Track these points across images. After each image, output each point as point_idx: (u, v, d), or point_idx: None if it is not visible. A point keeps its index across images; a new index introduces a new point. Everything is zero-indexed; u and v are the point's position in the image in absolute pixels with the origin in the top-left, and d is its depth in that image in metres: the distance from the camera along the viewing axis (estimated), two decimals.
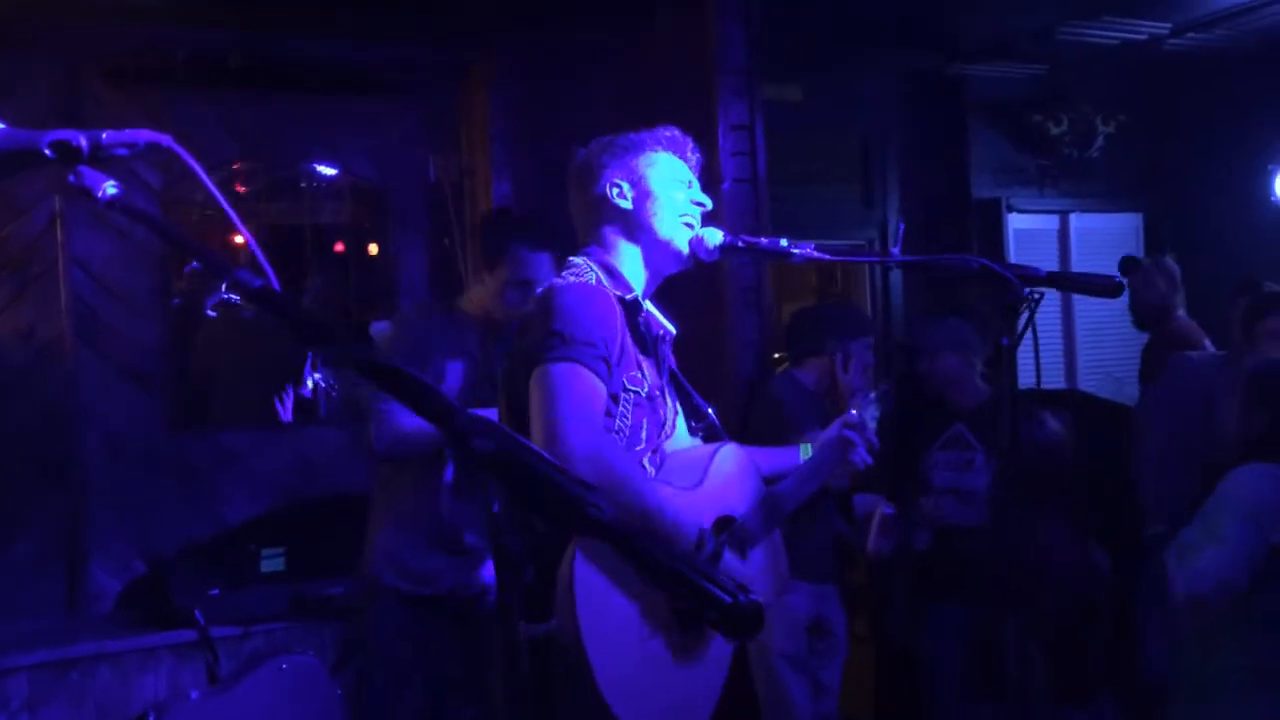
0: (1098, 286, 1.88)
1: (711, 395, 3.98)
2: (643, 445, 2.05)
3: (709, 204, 2.21)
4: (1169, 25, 5.00)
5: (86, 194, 1.08)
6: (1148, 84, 5.68)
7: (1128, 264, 4.35)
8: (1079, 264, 5.69)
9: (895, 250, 2.01)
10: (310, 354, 4.85)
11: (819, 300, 5.80)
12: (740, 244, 2.08)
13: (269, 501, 4.24)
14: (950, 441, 3.79)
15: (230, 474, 4.25)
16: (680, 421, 2.24)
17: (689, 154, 2.24)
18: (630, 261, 2.16)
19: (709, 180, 4.04)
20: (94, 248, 4.09)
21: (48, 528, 4.03)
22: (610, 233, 2.17)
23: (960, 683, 3.64)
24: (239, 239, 7.12)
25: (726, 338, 3.92)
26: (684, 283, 4.00)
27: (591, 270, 2.10)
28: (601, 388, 1.91)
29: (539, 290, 2.63)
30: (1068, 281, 1.94)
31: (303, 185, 7.11)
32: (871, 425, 2.42)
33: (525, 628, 0.89)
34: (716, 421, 2.29)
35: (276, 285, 1.03)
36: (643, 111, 4.25)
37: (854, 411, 2.39)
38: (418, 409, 0.97)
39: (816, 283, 6.11)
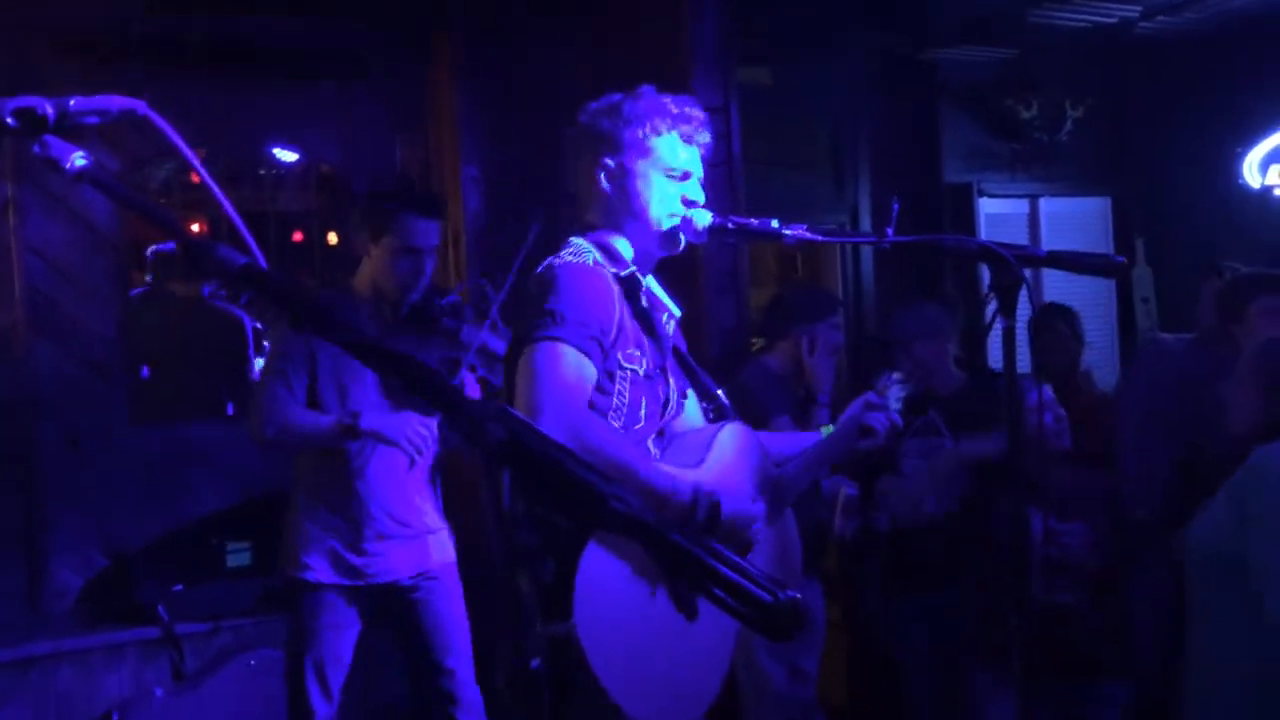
0: (1096, 266, 1.85)
1: None
2: (642, 424, 2.04)
3: (702, 199, 2.16)
4: (1139, 8, 5.00)
5: (53, 165, 1.00)
6: (1117, 68, 5.69)
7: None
8: (1049, 247, 5.65)
9: (890, 231, 1.96)
10: (260, 339, 4.76)
11: (779, 286, 5.76)
12: (730, 225, 2.02)
13: (234, 494, 4.14)
14: (922, 429, 3.77)
15: (194, 466, 4.14)
16: (691, 401, 2.23)
17: (696, 136, 2.18)
18: (622, 240, 2.14)
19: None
20: (49, 234, 3.96)
21: (5, 523, 3.91)
22: (601, 210, 2.15)
23: (933, 667, 3.63)
24: (194, 228, 7.00)
25: (703, 322, 3.88)
26: (660, 266, 3.96)
27: (589, 251, 2.07)
28: (590, 368, 1.90)
29: (428, 260, 2.72)
30: (1066, 261, 1.91)
31: (262, 172, 6.98)
32: (895, 406, 2.44)
33: (544, 627, 0.83)
34: (726, 401, 2.28)
35: (263, 264, 0.96)
36: (616, 91, 4.21)
37: (874, 393, 2.40)
38: (424, 395, 0.90)
39: (777, 269, 6.07)
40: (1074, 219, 5.80)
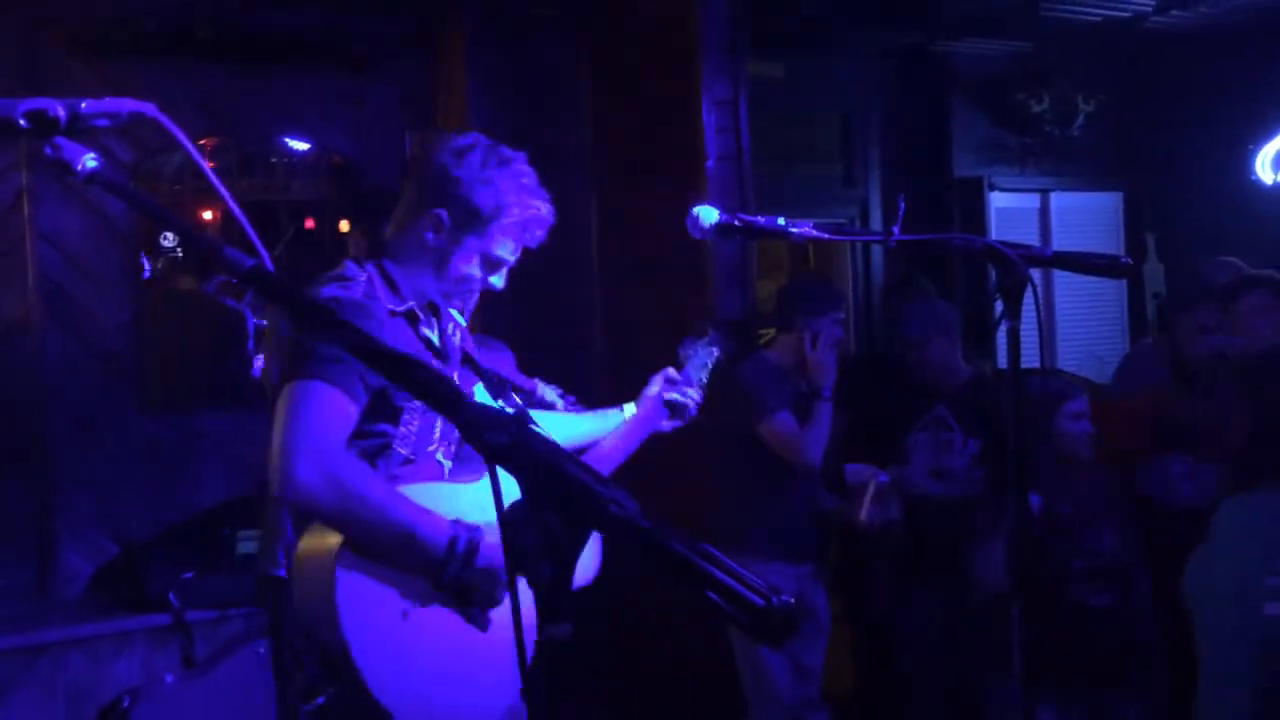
0: (1103, 266, 1.85)
1: None
2: (435, 444, 2.05)
3: (499, 287, 2.14)
4: (1152, 2, 4.98)
5: (64, 167, 1.01)
6: (1129, 62, 5.67)
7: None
8: (1059, 243, 5.68)
9: (896, 229, 1.96)
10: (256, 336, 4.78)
11: (790, 278, 5.76)
12: (737, 223, 2.02)
13: (243, 483, 4.16)
14: (931, 423, 3.78)
15: (203, 455, 4.17)
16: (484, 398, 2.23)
17: (535, 232, 2.12)
18: (418, 280, 2.07)
19: (693, 156, 4.01)
20: (63, 224, 3.98)
21: (16, 511, 3.94)
22: (410, 248, 2.07)
23: (940, 662, 3.64)
24: (207, 215, 7.02)
25: (709, 314, 3.87)
26: (669, 260, 3.97)
27: (359, 281, 1.99)
28: (350, 405, 1.88)
29: None
30: (1073, 262, 1.90)
31: (274, 161, 6.99)
32: (700, 375, 2.46)
33: (545, 629, 0.84)
34: (520, 402, 2.30)
35: (270, 265, 0.96)
36: (626, 84, 4.21)
37: (671, 369, 2.44)
38: (425, 397, 0.91)
39: (788, 262, 6.07)
40: (1085, 214, 5.79)
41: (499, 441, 0.83)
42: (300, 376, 1.85)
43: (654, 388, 2.45)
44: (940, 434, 3.79)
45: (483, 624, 1.99)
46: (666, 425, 2.46)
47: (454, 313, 2.19)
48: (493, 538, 1.94)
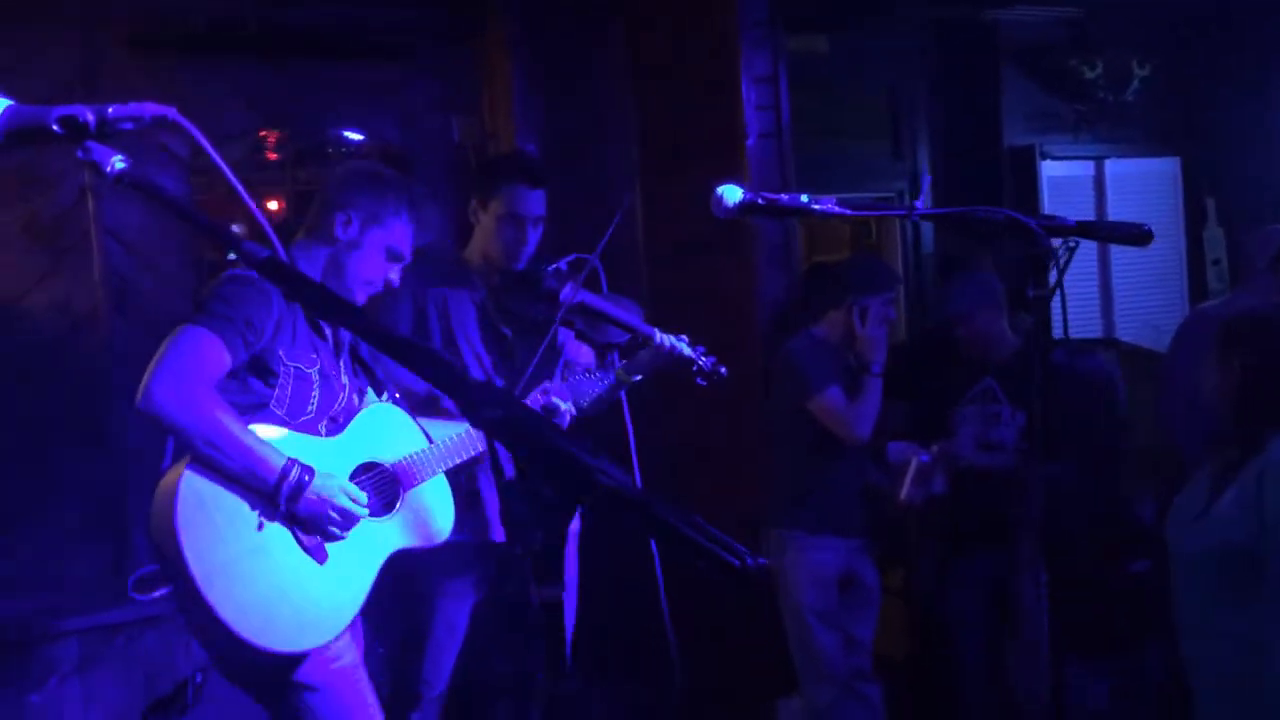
0: (1126, 235, 1.85)
1: (738, 352, 3.98)
2: (312, 412, 2.43)
3: (395, 283, 2.59)
4: None
5: (95, 169, 1.08)
6: (1185, 25, 5.54)
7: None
8: (1114, 211, 5.59)
9: (919, 204, 1.97)
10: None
11: (810, 250, 5.72)
12: (760, 201, 2.05)
13: None
14: (979, 395, 3.77)
15: None
16: (370, 396, 2.62)
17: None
18: (318, 272, 2.43)
19: (733, 135, 4.03)
20: (125, 218, 4.11)
21: (91, 498, 4.10)
22: (318, 240, 2.48)
23: (986, 634, 3.64)
24: (272, 205, 7.20)
25: (754, 295, 3.91)
26: (711, 241, 4.00)
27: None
28: (223, 353, 2.27)
29: (533, 229, 3.04)
30: (1096, 231, 1.91)
31: (330, 151, 7.14)
32: (581, 400, 2.89)
33: (537, 590, 0.90)
34: (395, 394, 2.63)
35: (283, 256, 1.03)
36: (664, 64, 4.24)
37: (550, 383, 2.89)
38: (429, 378, 0.97)
39: (849, 236, 6.04)
40: (1141, 180, 5.68)
41: (493, 416, 0.89)
42: (190, 322, 2.27)
43: (536, 391, 2.85)
44: (988, 406, 3.79)
45: (318, 556, 2.33)
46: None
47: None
48: (322, 482, 2.31)
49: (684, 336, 3.09)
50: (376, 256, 2.51)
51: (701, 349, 3.07)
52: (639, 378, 2.99)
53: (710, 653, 4.06)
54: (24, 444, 3.95)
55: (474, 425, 0.90)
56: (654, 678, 3.56)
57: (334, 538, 2.36)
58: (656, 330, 3.03)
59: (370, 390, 2.62)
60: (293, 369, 2.38)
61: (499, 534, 2.99)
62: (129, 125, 1.11)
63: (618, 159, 4.34)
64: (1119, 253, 5.61)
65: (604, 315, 3.03)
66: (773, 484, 3.75)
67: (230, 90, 4.32)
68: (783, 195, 2.04)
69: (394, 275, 2.57)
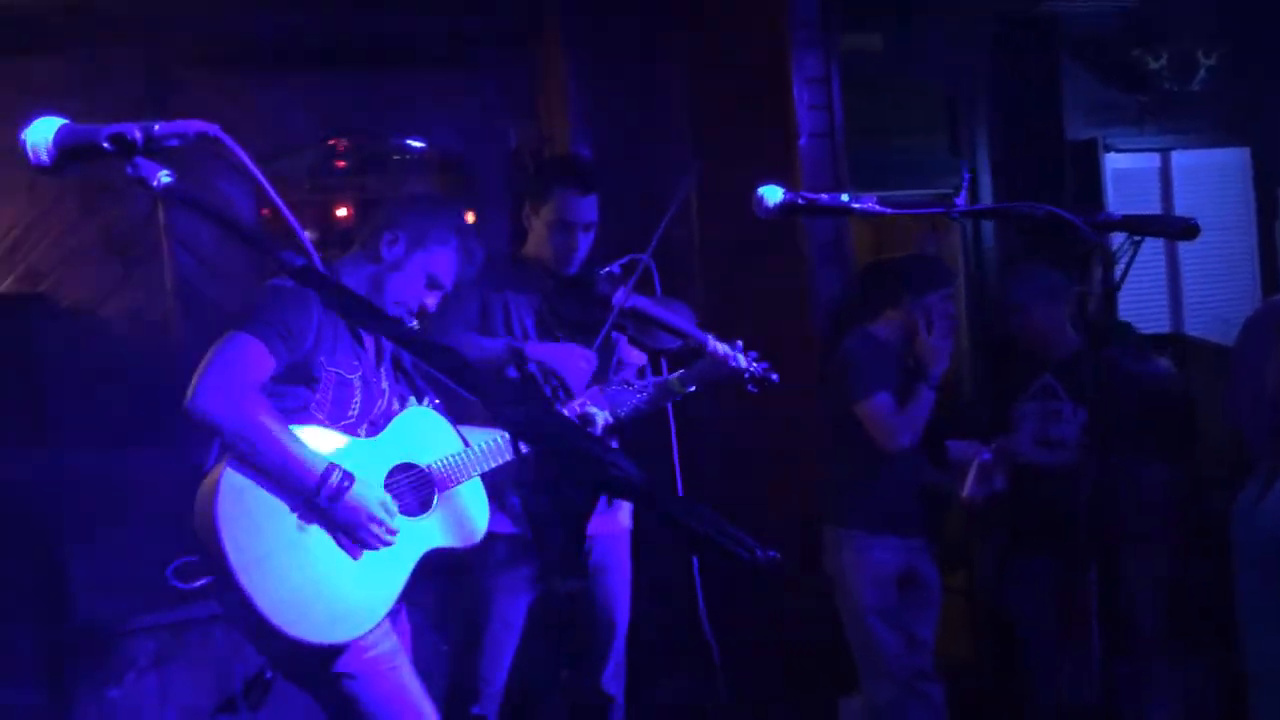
0: (1171, 229, 1.83)
1: (793, 351, 3.98)
2: (353, 416, 2.50)
3: (430, 310, 2.65)
4: None
5: (143, 183, 1.14)
6: (1252, 11, 5.41)
7: None
8: (1182, 202, 5.47)
9: (959, 201, 1.97)
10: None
11: (878, 247, 5.68)
12: (800, 201, 2.07)
13: None
14: (1039, 392, 3.73)
15: None
16: (412, 402, 2.68)
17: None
18: (358, 280, 2.57)
19: (785, 134, 4.03)
20: (196, 229, 4.24)
21: (165, 499, 4.22)
22: (365, 257, 2.61)
23: (1050, 634, 3.60)
24: (341, 212, 7.36)
25: (807, 294, 3.91)
26: (765, 239, 4.00)
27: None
28: (267, 357, 2.35)
29: (584, 234, 3.08)
30: (1140, 224, 1.89)
31: (394, 158, 7.28)
32: (620, 411, 2.91)
33: (561, 583, 0.94)
34: (437, 401, 2.70)
35: (320, 266, 1.08)
36: (718, 65, 4.26)
37: (596, 389, 2.89)
38: (458, 381, 1.01)
39: (916, 235, 5.98)
40: (1209, 171, 5.56)
41: (514, 416, 0.92)
42: (235, 328, 2.36)
43: (576, 401, 2.87)
44: (1048, 403, 3.74)
45: (353, 552, 2.40)
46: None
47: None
48: (362, 490, 2.37)
49: (738, 343, 3.08)
50: (417, 281, 2.58)
51: (754, 355, 3.06)
52: (693, 388, 2.99)
53: (770, 650, 4.07)
54: (101, 449, 4.09)
55: (496, 423, 0.93)
56: (699, 677, 3.58)
57: (366, 545, 2.43)
58: (710, 337, 3.02)
59: (411, 396, 2.70)
60: (334, 374, 2.46)
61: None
62: (175, 141, 1.16)
63: (674, 158, 4.36)
64: (1187, 246, 5.48)
65: (656, 321, 3.05)
66: (829, 482, 3.74)
67: (296, 101, 4.43)
68: (823, 195, 2.05)
69: (430, 302, 2.63)
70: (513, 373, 3.01)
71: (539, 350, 3.02)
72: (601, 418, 2.83)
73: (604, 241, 3.43)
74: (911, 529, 3.63)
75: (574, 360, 3.00)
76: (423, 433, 2.61)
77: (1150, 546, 3.34)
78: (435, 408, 2.66)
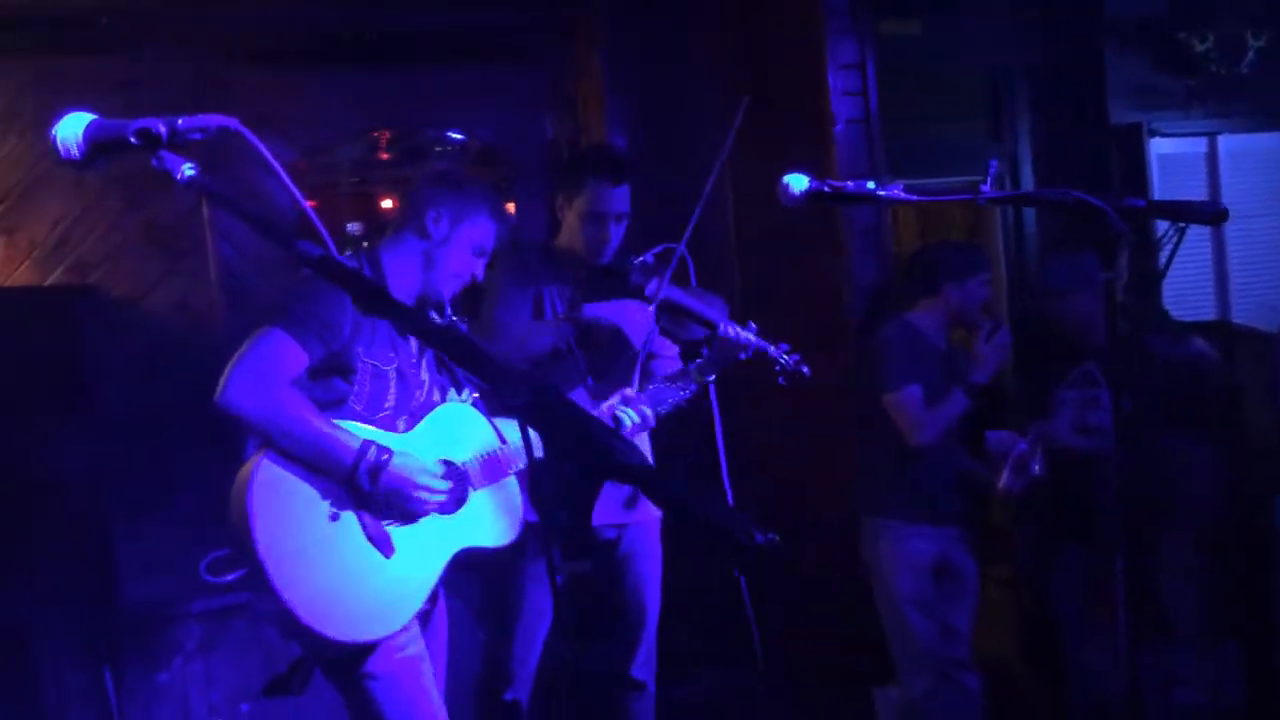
0: (1200, 214, 1.81)
1: (831, 338, 3.97)
2: (389, 409, 2.49)
3: (479, 279, 2.65)
4: None
5: (168, 176, 1.17)
6: None
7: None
8: (1230, 187, 5.38)
9: (985, 187, 1.96)
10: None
11: (968, 237, 5.64)
12: (826, 189, 2.06)
13: None
14: (1078, 380, 3.69)
15: None
16: (452, 394, 2.67)
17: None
18: (405, 271, 2.57)
19: (821, 122, 4.01)
20: (237, 222, 4.31)
21: (211, 487, 4.30)
22: (408, 238, 2.59)
23: (1084, 623, 3.57)
24: (387, 204, 7.47)
25: (845, 281, 3.89)
26: (803, 227, 3.99)
27: (355, 263, 2.49)
28: (300, 353, 2.35)
29: (615, 225, 3.07)
30: (1168, 210, 1.87)
31: (438, 150, 7.34)
32: (659, 409, 2.90)
33: (567, 566, 0.95)
34: (475, 393, 2.67)
35: (336, 254, 1.10)
36: (753, 53, 4.25)
37: (629, 390, 2.86)
38: (469, 367, 1.03)
39: (960, 220, 5.93)
40: (1258, 156, 5.45)
41: (518, 401, 0.94)
42: (268, 323, 2.36)
43: (609, 402, 2.86)
44: (1088, 390, 3.70)
45: (385, 550, 2.37)
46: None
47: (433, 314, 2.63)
48: (402, 460, 2.35)
49: (752, 325, 3.07)
50: (465, 252, 2.60)
51: (785, 346, 3.05)
52: (712, 377, 3.00)
53: (806, 640, 4.07)
54: (148, 437, 4.18)
55: (502, 408, 0.95)
56: (739, 665, 3.59)
57: (412, 516, 2.42)
58: (734, 326, 3.03)
59: (451, 389, 2.68)
60: (370, 366, 2.46)
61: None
62: (198, 135, 1.19)
63: (708, 149, 4.35)
64: (1233, 233, 5.40)
65: (689, 312, 3.05)
66: (865, 472, 3.74)
67: (337, 95, 4.49)
68: (848, 182, 2.05)
69: (479, 269, 2.64)
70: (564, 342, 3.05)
71: (596, 308, 3.02)
72: (630, 419, 2.81)
73: (639, 232, 3.44)
74: (947, 518, 3.62)
75: (630, 313, 3.00)
76: (459, 428, 2.60)
77: (1179, 533, 3.29)
78: (474, 402, 2.65)
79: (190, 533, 4.26)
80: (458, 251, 2.59)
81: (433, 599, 2.55)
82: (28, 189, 4.12)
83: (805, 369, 3.07)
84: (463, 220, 2.59)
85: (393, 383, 2.50)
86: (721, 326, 3.00)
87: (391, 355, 2.51)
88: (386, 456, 2.35)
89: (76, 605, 3.64)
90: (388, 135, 5.73)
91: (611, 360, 3.09)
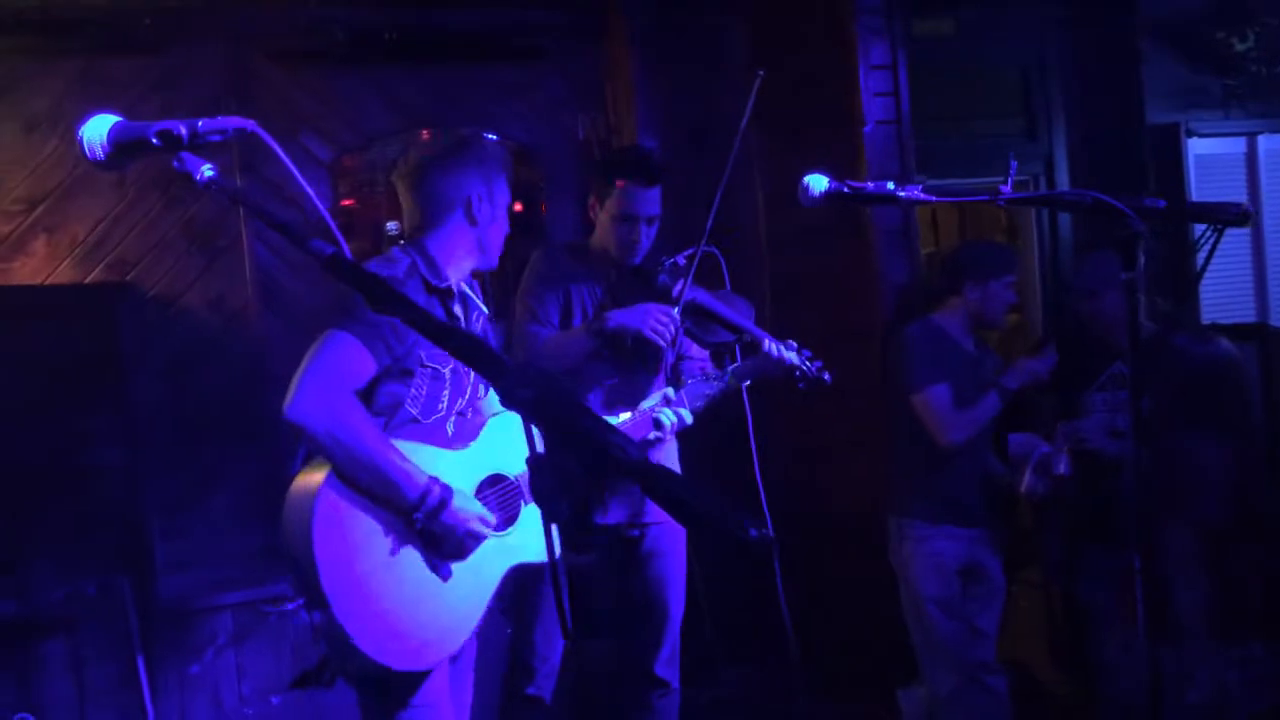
0: (1222, 216, 1.80)
1: (859, 336, 3.96)
2: (442, 410, 2.45)
3: (507, 231, 2.60)
4: None
5: (187, 176, 1.20)
6: None
7: None
8: (1269, 190, 5.31)
9: (1005, 188, 1.96)
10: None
11: (1009, 238, 5.60)
12: (845, 190, 2.07)
13: None
14: (1108, 381, 3.66)
15: None
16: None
17: (511, 171, 2.63)
18: (458, 256, 2.51)
19: (850, 122, 4.01)
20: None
21: (244, 482, 4.38)
22: (453, 229, 2.50)
23: (1109, 623, 3.55)
24: None
25: (872, 280, 3.89)
26: (832, 226, 3.99)
27: (408, 261, 2.43)
28: (368, 360, 2.27)
29: (646, 227, 3.05)
30: (1189, 212, 1.85)
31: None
32: (697, 404, 2.87)
33: (568, 558, 0.97)
34: None
35: (348, 253, 1.12)
36: (781, 56, 4.24)
37: (670, 390, 2.80)
38: (471, 363, 1.05)
39: (1005, 222, 5.90)
40: None
41: (525, 396, 0.96)
42: (334, 326, 2.26)
43: (648, 402, 2.84)
44: (1118, 393, 3.67)
45: (443, 574, 2.34)
46: (653, 437, 2.80)
47: (480, 304, 2.63)
48: (461, 503, 2.31)
49: (791, 343, 3.06)
50: (504, 218, 2.58)
51: (808, 353, 3.05)
52: (747, 383, 3.00)
53: (830, 640, 4.07)
54: (185, 432, 4.26)
55: (505, 404, 0.97)
56: (772, 663, 3.59)
57: (459, 557, 2.38)
58: (767, 336, 3.02)
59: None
60: (430, 370, 2.40)
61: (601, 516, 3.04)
62: (216, 137, 1.22)
63: (741, 148, 4.35)
64: (1274, 234, 5.34)
65: (715, 316, 3.05)
66: (892, 473, 3.73)
67: (371, 94, 4.54)
68: (868, 183, 2.05)
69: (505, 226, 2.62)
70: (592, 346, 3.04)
71: (618, 315, 3.01)
72: (669, 420, 2.80)
73: (670, 233, 3.46)
74: (974, 520, 3.60)
75: (653, 317, 3.00)
76: (511, 440, 2.53)
77: (1190, 527, 3.26)
78: None
79: (224, 527, 4.37)
80: (501, 221, 2.57)
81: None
82: (69, 189, 4.20)
83: (827, 376, 3.06)
84: (498, 193, 2.55)
85: (447, 383, 2.45)
86: (766, 343, 2.98)
87: (447, 355, 2.41)
88: (447, 497, 2.31)
89: (111, 596, 3.71)
90: (427, 134, 5.79)
91: (637, 363, 3.10)
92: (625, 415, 2.81)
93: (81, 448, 3.68)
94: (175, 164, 1.23)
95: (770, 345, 2.99)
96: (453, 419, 2.49)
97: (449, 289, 2.47)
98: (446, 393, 2.45)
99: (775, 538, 0.88)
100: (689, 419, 2.91)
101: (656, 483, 0.93)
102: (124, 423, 3.84)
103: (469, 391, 2.55)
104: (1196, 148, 5.22)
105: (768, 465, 3.18)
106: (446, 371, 2.44)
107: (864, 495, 3.87)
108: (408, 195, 2.53)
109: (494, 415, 2.55)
